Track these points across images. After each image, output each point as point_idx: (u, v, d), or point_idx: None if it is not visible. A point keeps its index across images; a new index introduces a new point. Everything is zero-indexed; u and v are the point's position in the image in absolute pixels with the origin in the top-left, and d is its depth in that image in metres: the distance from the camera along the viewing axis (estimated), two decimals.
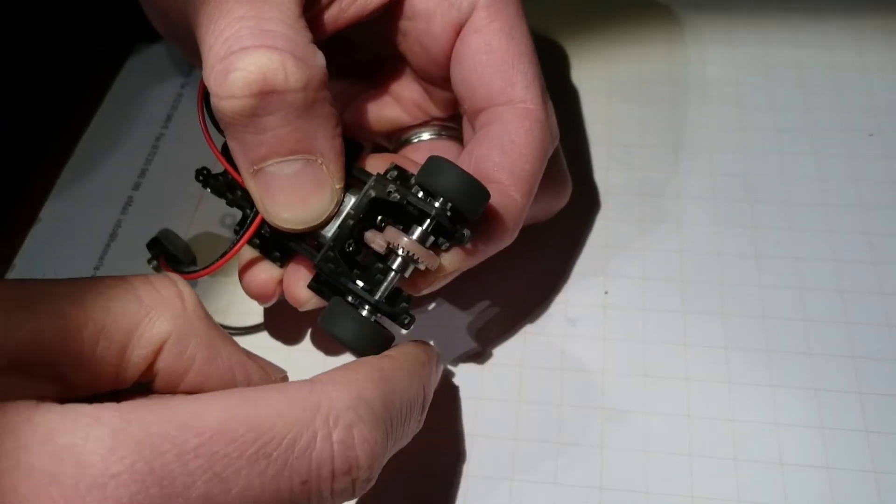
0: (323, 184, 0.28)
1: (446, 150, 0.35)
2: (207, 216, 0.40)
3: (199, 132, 0.30)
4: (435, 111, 0.35)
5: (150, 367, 0.24)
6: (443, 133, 0.36)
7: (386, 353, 0.27)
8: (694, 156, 0.40)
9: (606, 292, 0.36)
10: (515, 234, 0.30)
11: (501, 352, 0.34)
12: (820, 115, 0.41)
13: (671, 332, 0.35)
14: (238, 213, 0.32)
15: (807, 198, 0.38)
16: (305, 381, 0.23)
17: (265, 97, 0.26)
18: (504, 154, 0.30)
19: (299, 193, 0.28)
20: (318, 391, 0.23)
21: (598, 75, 0.44)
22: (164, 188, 0.41)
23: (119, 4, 0.35)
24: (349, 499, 0.23)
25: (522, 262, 0.36)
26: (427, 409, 0.27)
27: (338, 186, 0.28)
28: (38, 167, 0.43)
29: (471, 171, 0.29)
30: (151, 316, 0.24)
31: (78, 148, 0.43)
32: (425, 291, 0.29)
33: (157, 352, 0.24)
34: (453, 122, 0.36)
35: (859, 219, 0.37)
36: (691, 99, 0.43)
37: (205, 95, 0.30)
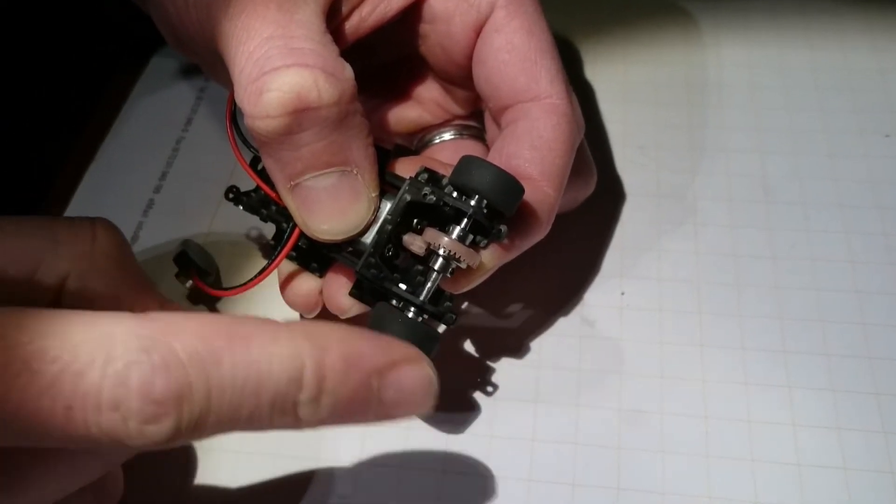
0: (359, 193, 0.28)
1: (469, 149, 0.35)
2: (227, 218, 0.40)
3: (218, 136, 0.30)
4: (456, 109, 0.35)
5: (57, 302, 0.26)
6: (464, 132, 0.36)
7: (305, 322, 0.24)
8: (710, 157, 0.40)
9: (623, 293, 0.36)
10: (549, 228, 0.31)
11: (518, 352, 0.35)
12: (836, 117, 0.41)
13: (687, 332, 0.35)
14: (258, 222, 0.32)
15: (823, 199, 0.38)
16: (129, 314, 0.22)
17: (300, 115, 0.26)
18: (534, 150, 0.30)
19: (337, 205, 0.28)
20: (121, 322, 0.21)
21: (613, 77, 0.44)
22: (185, 191, 0.42)
23: (139, 9, 0.36)
24: (130, 443, 0.21)
25: (539, 263, 0.37)
26: (336, 415, 0.23)
27: (373, 195, 0.29)
28: (60, 170, 0.43)
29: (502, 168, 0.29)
30: (58, 251, 0.26)
31: (99, 151, 0.44)
32: (466, 289, 0.30)
33: (59, 287, 0.26)
34: (475, 119, 0.36)
35: (876, 220, 0.37)
36: (707, 100, 0.43)
37: (233, 114, 0.30)
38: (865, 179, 0.39)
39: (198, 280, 0.34)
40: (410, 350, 0.24)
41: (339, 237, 0.29)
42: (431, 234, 0.28)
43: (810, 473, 0.31)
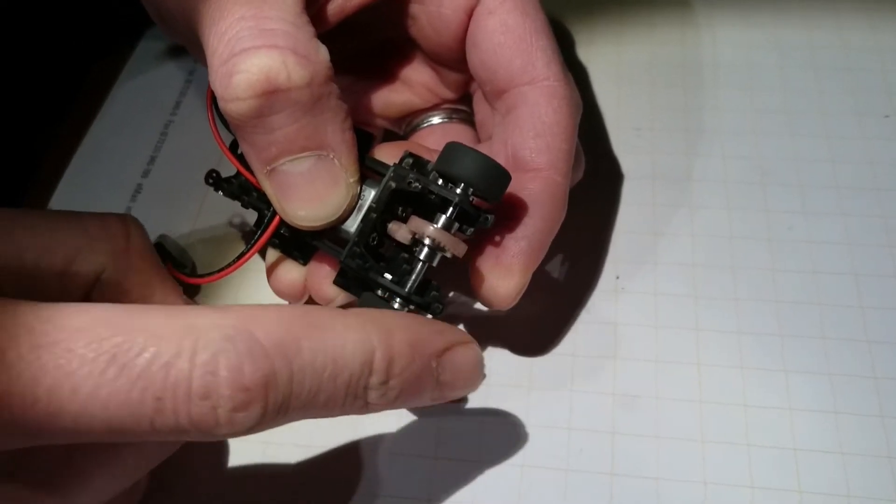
0: (337, 178, 0.28)
1: (458, 133, 0.35)
2: (217, 203, 0.39)
3: (207, 119, 0.30)
4: (446, 93, 0.35)
5: (88, 296, 0.26)
6: (453, 116, 0.35)
7: (369, 309, 0.25)
8: (706, 139, 0.40)
9: (618, 277, 0.36)
10: (565, 213, 0.31)
11: (511, 337, 0.34)
12: (834, 97, 0.41)
13: (683, 316, 0.34)
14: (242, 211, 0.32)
15: (821, 180, 0.38)
16: (208, 306, 0.23)
17: (270, 97, 0.26)
18: (538, 137, 0.30)
19: (314, 190, 0.28)
20: (202, 314, 0.22)
21: (608, 58, 0.44)
22: (174, 175, 0.41)
23: None
24: (218, 432, 0.21)
25: None
26: (401, 398, 0.24)
27: (352, 180, 0.28)
28: (47, 155, 0.43)
29: (509, 160, 0.29)
30: (93, 247, 0.26)
31: (87, 136, 0.43)
32: (509, 306, 0.30)
33: (94, 282, 0.26)
34: (463, 103, 0.35)
35: (874, 201, 0.37)
36: (703, 81, 0.42)
37: (213, 98, 0.29)
38: (863, 161, 0.38)
39: (173, 270, 0.34)
40: (463, 333, 0.26)
41: (318, 224, 0.28)
42: (416, 223, 0.28)
43: (807, 458, 0.30)
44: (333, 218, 0.28)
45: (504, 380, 0.33)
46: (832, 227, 0.36)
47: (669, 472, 0.30)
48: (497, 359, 0.34)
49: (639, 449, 0.31)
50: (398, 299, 0.28)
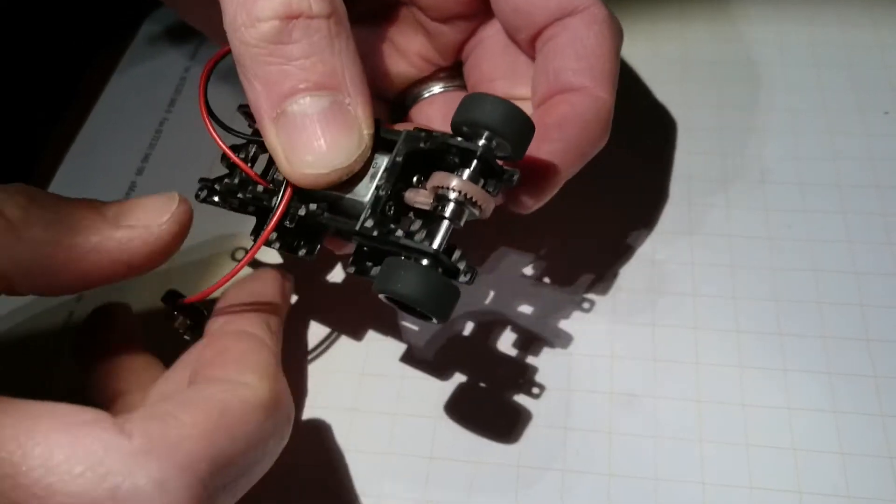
0: (351, 125, 0.26)
1: (459, 101, 0.34)
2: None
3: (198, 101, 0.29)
4: (439, 60, 0.35)
5: None
6: (450, 86, 0.35)
7: (228, 381, 0.26)
8: (705, 136, 0.40)
9: (616, 276, 0.35)
10: (608, 135, 0.30)
11: (510, 336, 0.34)
12: (835, 94, 0.41)
13: (681, 315, 0.34)
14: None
15: (821, 178, 0.38)
16: (113, 430, 0.22)
17: (290, 22, 0.25)
18: (580, 59, 0.29)
19: (327, 133, 0.26)
20: (118, 447, 0.21)
21: None
22: (168, 173, 0.41)
23: None
24: None
25: (530, 246, 0.36)
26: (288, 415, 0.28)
27: (367, 132, 0.27)
28: (41, 151, 0.43)
29: (550, 84, 0.28)
30: None
31: (81, 132, 0.43)
32: (539, 204, 0.28)
33: None
34: (455, 71, 0.35)
35: (875, 199, 0.37)
36: (702, 77, 0.42)
37: (205, 89, 0.29)
38: (864, 158, 0.38)
39: (184, 301, 0.31)
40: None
41: (325, 175, 0.26)
42: (440, 177, 0.25)
43: (806, 458, 0.30)
44: (344, 167, 0.26)
45: (502, 379, 0.33)
46: (832, 225, 0.36)
47: (667, 472, 0.30)
48: (495, 358, 0.34)
49: (636, 449, 0.31)
50: (425, 259, 0.25)
